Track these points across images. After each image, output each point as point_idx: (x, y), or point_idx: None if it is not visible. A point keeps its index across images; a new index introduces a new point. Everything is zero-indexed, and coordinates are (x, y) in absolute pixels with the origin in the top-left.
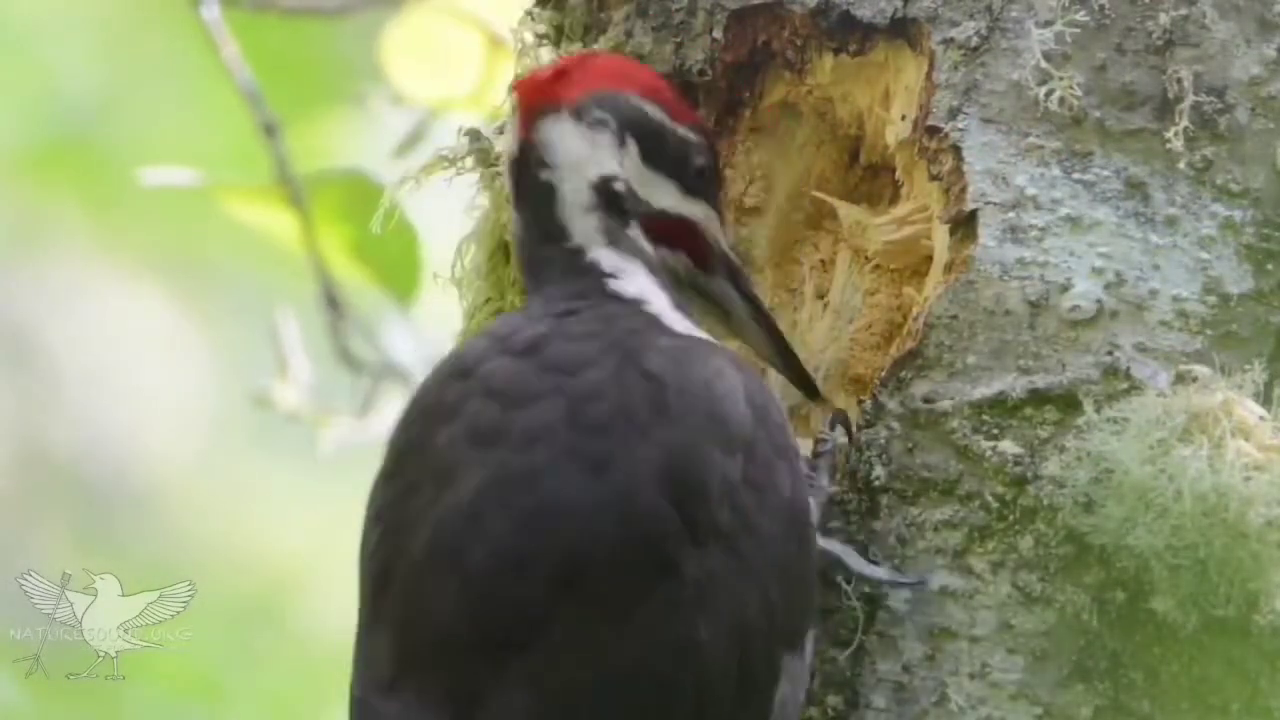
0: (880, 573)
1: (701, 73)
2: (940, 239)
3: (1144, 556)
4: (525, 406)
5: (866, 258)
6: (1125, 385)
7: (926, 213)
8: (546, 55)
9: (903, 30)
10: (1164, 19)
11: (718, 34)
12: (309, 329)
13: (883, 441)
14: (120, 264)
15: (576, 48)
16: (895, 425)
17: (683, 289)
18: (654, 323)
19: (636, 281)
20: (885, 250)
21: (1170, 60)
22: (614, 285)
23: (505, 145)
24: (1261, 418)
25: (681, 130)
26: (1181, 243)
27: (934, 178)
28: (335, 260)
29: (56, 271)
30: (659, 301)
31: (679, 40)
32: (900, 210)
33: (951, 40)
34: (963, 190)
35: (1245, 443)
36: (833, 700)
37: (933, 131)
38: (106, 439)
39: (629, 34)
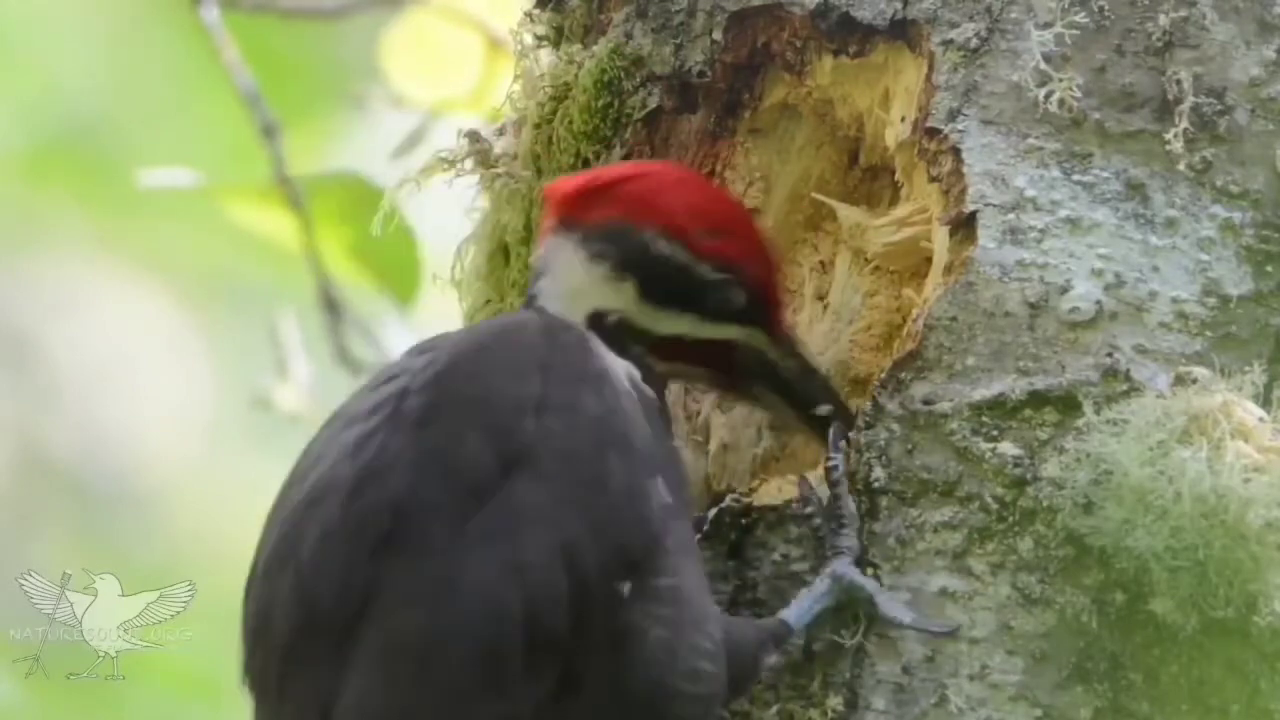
0: (907, 618)
1: (701, 74)
2: (940, 241)
3: (1143, 558)
4: (382, 384)
5: (866, 259)
6: (1125, 387)
7: (926, 214)
8: (546, 57)
9: (902, 32)
10: (1163, 20)
11: (717, 35)
12: (308, 330)
13: (882, 443)
14: (120, 265)
15: (576, 49)
16: (895, 427)
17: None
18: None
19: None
20: (885, 252)
21: (1170, 62)
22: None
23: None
24: (1261, 419)
25: (702, 268)
26: (1181, 244)
27: (933, 179)
28: (334, 262)
29: (56, 272)
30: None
31: (679, 41)
32: (900, 212)
33: (951, 42)
34: (962, 192)
35: (1245, 444)
36: (833, 701)
37: (932, 133)
38: (106, 440)
39: (629, 35)
